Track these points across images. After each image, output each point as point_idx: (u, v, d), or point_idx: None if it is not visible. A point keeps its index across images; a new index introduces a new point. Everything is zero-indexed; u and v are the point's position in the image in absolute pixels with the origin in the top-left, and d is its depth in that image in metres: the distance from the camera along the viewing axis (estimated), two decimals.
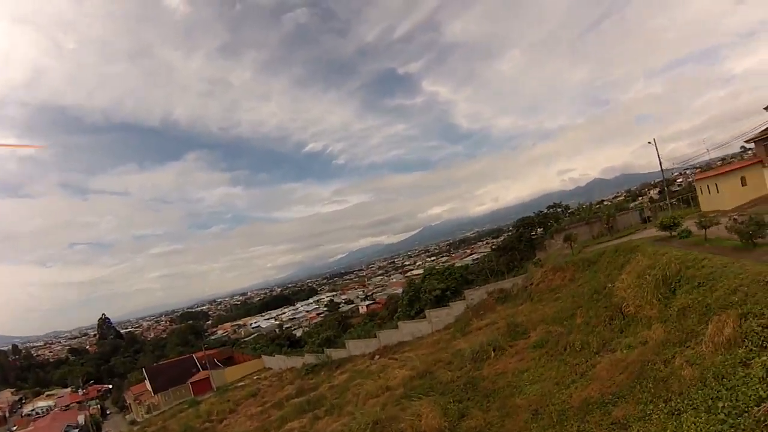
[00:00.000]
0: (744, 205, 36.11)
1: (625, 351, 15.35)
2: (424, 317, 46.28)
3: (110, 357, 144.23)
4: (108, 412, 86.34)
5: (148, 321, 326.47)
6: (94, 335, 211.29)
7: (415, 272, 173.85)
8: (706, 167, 77.15)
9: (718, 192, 40.16)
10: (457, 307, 44.07)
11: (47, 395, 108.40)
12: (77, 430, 66.64)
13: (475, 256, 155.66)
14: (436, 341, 36.93)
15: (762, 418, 8.64)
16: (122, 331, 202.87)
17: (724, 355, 11.02)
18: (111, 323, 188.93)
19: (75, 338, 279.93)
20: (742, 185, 38.17)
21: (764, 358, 9.88)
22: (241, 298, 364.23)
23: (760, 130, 38.47)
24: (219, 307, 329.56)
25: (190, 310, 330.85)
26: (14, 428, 77.53)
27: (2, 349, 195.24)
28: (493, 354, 23.23)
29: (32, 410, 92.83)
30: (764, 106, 36.80)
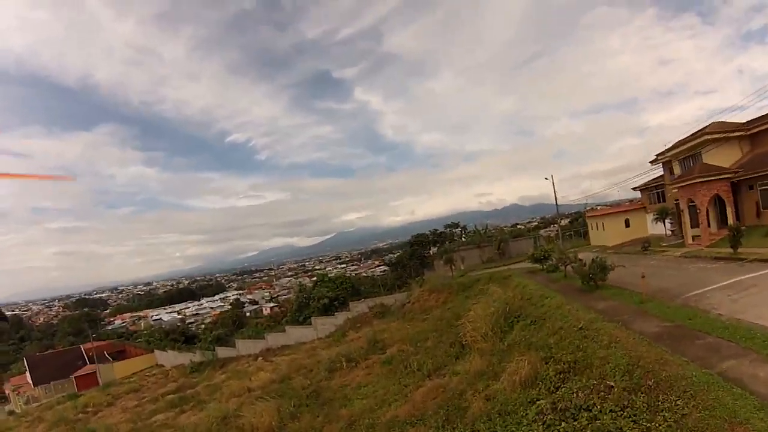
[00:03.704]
0: (625, 243, 40.55)
1: (452, 377, 16.38)
2: (311, 324, 47.59)
3: None
4: None
5: (38, 305, 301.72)
6: None
7: None
8: (615, 203, 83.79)
9: (604, 230, 44.37)
10: (341, 317, 45.68)
11: None
12: None
13: (383, 267, 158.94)
14: (312, 348, 38.57)
15: None
16: (7, 313, 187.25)
17: (519, 393, 12.09)
18: None
19: None
20: (626, 226, 42.98)
21: (547, 400, 10.87)
22: (145, 288, 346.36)
23: (647, 180, 43.28)
24: (120, 295, 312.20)
25: (87, 296, 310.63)
26: None
27: None
28: (345, 366, 24.88)
29: None
30: (649, 160, 40.83)
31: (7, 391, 74.45)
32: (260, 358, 42.83)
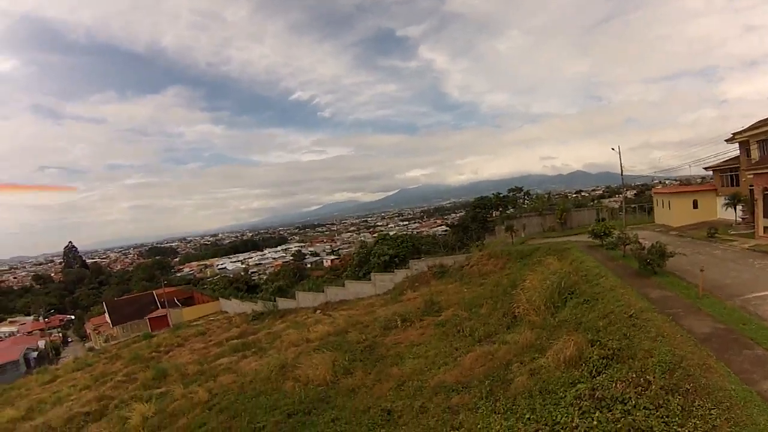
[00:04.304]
0: (691, 225, 38.27)
1: (501, 346, 16.37)
2: (370, 280, 48.65)
3: (74, 287, 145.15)
4: (69, 340, 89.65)
5: (115, 252, 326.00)
6: (60, 263, 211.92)
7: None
8: (685, 179, 79.71)
9: (670, 209, 42.24)
10: (400, 275, 46.26)
11: (10, 321, 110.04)
12: (36, 352, 69.63)
13: (444, 228, 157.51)
14: (369, 304, 39.59)
15: None
16: (88, 261, 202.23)
17: (563, 372, 12.00)
18: (77, 252, 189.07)
19: (40, 264, 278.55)
20: (694, 207, 40.58)
21: (586, 385, 10.87)
22: (211, 238, 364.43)
23: (721, 160, 40.47)
24: (189, 245, 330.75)
25: (159, 245, 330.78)
26: None
27: None
28: (400, 325, 25.81)
29: None
30: (725, 139, 38.36)
31: (88, 330, 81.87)
32: (318, 312, 44.40)
